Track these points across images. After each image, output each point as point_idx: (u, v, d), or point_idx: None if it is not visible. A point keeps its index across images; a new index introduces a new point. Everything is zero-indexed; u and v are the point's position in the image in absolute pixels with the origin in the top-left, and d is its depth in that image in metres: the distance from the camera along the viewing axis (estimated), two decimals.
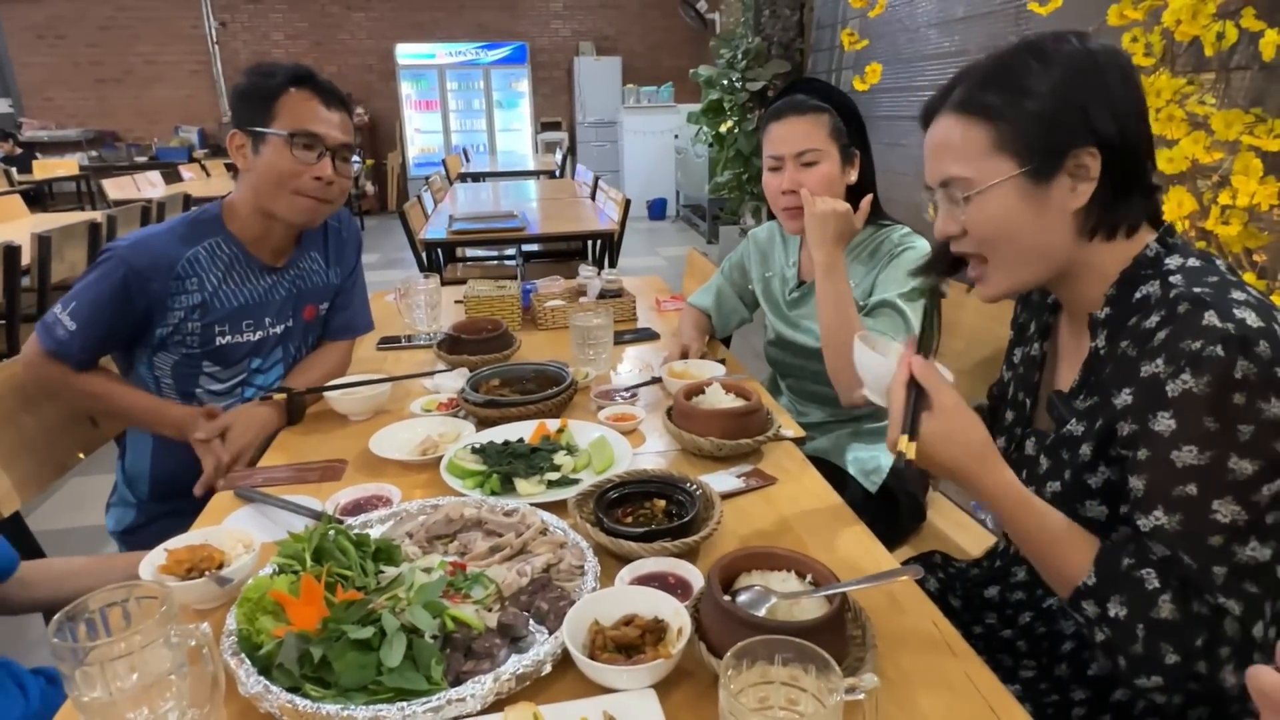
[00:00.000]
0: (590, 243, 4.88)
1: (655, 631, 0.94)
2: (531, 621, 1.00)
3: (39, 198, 9.12)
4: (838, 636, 0.90)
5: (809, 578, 0.97)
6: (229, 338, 1.69)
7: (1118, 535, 0.91)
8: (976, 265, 1.03)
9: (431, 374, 1.84)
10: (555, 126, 11.90)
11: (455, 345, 1.97)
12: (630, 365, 2.00)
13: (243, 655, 0.91)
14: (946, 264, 1.07)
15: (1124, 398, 0.91)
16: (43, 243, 3.57)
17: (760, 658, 0.76)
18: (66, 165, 9.65)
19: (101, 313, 1.57)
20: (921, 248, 1.75)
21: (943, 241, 1.05)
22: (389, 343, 2.23)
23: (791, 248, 1.99)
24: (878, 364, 1.08)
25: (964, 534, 2.00)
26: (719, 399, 1.53)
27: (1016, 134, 0.94)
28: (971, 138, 0.96)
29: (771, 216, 1.96)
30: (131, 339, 1.65)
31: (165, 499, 1.71)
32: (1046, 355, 1.13)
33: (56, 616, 0.80)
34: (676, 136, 10.34)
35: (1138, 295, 0.94)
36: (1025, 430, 1.12)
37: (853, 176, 1.79)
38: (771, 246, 2.07)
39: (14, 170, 8.72)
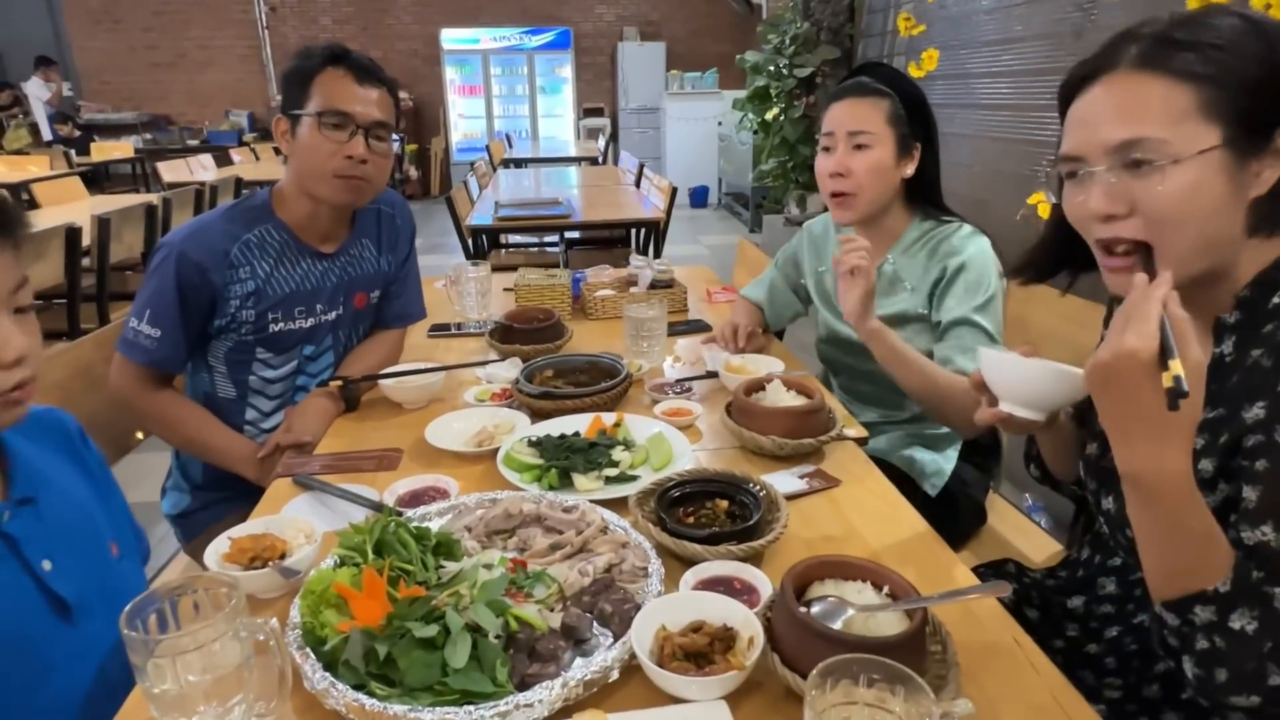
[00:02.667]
0: (634, 230, 4.85)
1: (724, 639, 0.91)
2: (595, 624, 0.98)
3: (96, 179, 9.38)
4: (918, 653, 0.86)
5: (885, 589, 0.93)
6: (281, 325, 1.70)
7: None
8: (1123, 255, 0.90)
9: (484, 363, 1.83)
10: (598, 113, 11.85)
11: (507, 334, 1.96)
12: (683, 358, 1.96)
13: (308, 650, 0.90)
14: (1050, 264, 1.00)
15: (1255, 411, 0.83)
16: (102, 225, 3.65)
17: (845, 676, 0.72)
18: (122, 148, 9.88)
19: (175, 311, 1.58)
20: (983, 249, 1.68)
21: (1053, 233, 0.96)
22: (439, 330, 2.23)
23: None
24: (1024, 366, 0.98)
25: (1025, 539, 1.93)
26: (780, 396, 1.49)
27: (1226, 99, 0.82)
28: (1172, 98, 0.84)
29: (824, 209, 1.90)
30: (200, 333, 1.66)
31: (218, 486, 1.73)
32: None
33: (127, 608, 0.80)
34: (720, 123, 10.22)
35: (1276, 300, 0.88)
36: None
37: (909, 169, 1.72)
38: (826, 240, 2.01)
39: (73, 152, 8.97)
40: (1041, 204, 3.21)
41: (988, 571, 1.31)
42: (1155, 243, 0.88)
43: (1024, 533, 1.95)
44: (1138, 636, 1.04)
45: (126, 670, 1.04)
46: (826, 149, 1.73)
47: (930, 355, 1.66)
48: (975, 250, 1.68)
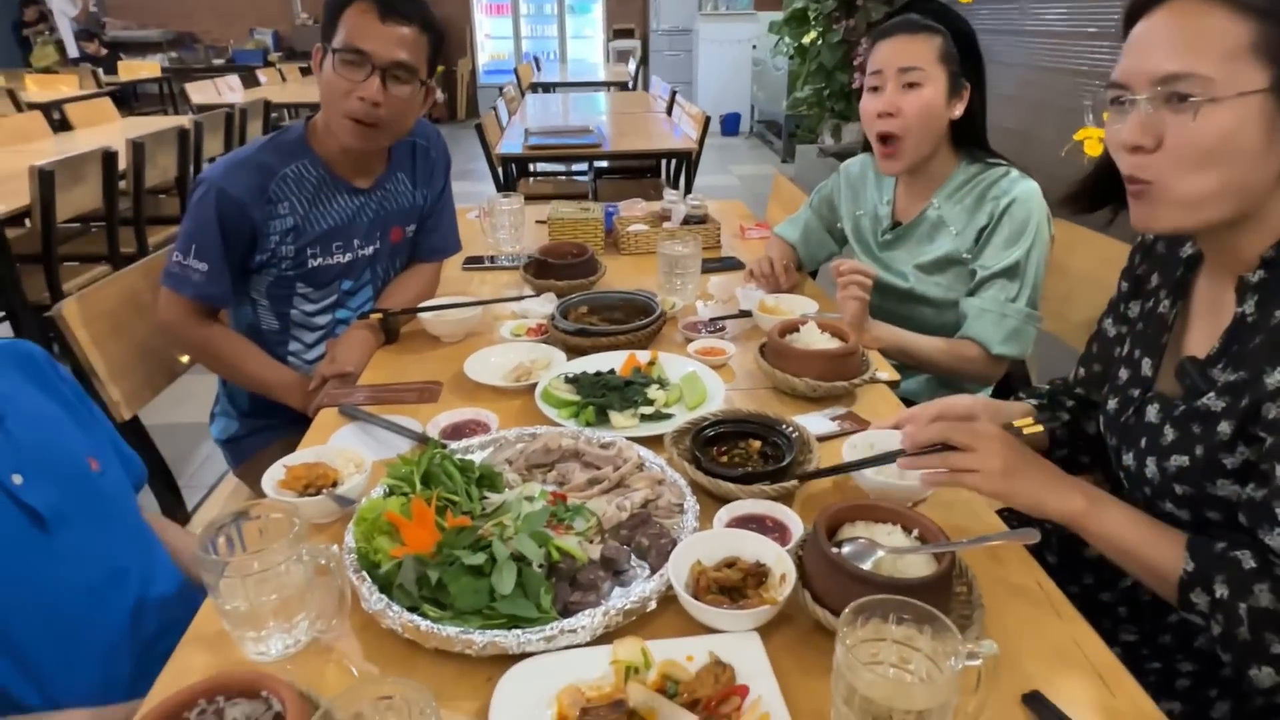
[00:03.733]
0: (665, 161, 4.77)
1: (757, 575, 0.96)
2: (632, 556, 1.03)
3: (124, 99, 9.33)
4: (944, 594, 0.90)
5: (915, 533, 0.96)
6: (320, 260, 1.72)
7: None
8: (1141, 187, 0.89)
9: (520, 299, 1.85)
10: (628, 34, 11.50)
11: (542, 269, 1.97)
12: (716, 296, 1.97)
13: (364, 573, 0.95)
14: (1099, 193, 0.98)
15: (1277, 376, 0.84)
16: (137, 149, 3.66)
17: (875, 615, 0.76)
18: (149, 67, 9.81)
19: (219, 246, 1.60)
20: (1031, 193, 1.65)
21: (1104, 162, 0.95)
22: (474, 263, 2.25)
23: (886, 185, 1.90)
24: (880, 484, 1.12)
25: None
26: (814, 338, 1.49)
27: None
28: (1230, 32, 0.81)
29: (866, 148, 1.86)
30: (242, 267, 1.68)
31: (265, 414, 1.79)
32: (1178, 315, 1.05)
33: (202, 530, 0.85)
34: (755, 47, 9.88)
35: None
36: (1146, 395, 1.06)
37: (958, 110, 1.68)
38: (864, 182, 1.98)
39: (100, 71, 8.92)
40: (1089, 140, 3.11)
41: (1012, 517, 1.34)
42: (1176, 182, 0.86)
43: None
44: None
45: (111, 577, 1.10)
46: (874, 89, 1.69)
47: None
48: (1023, 194, 1.65)
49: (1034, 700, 0.83)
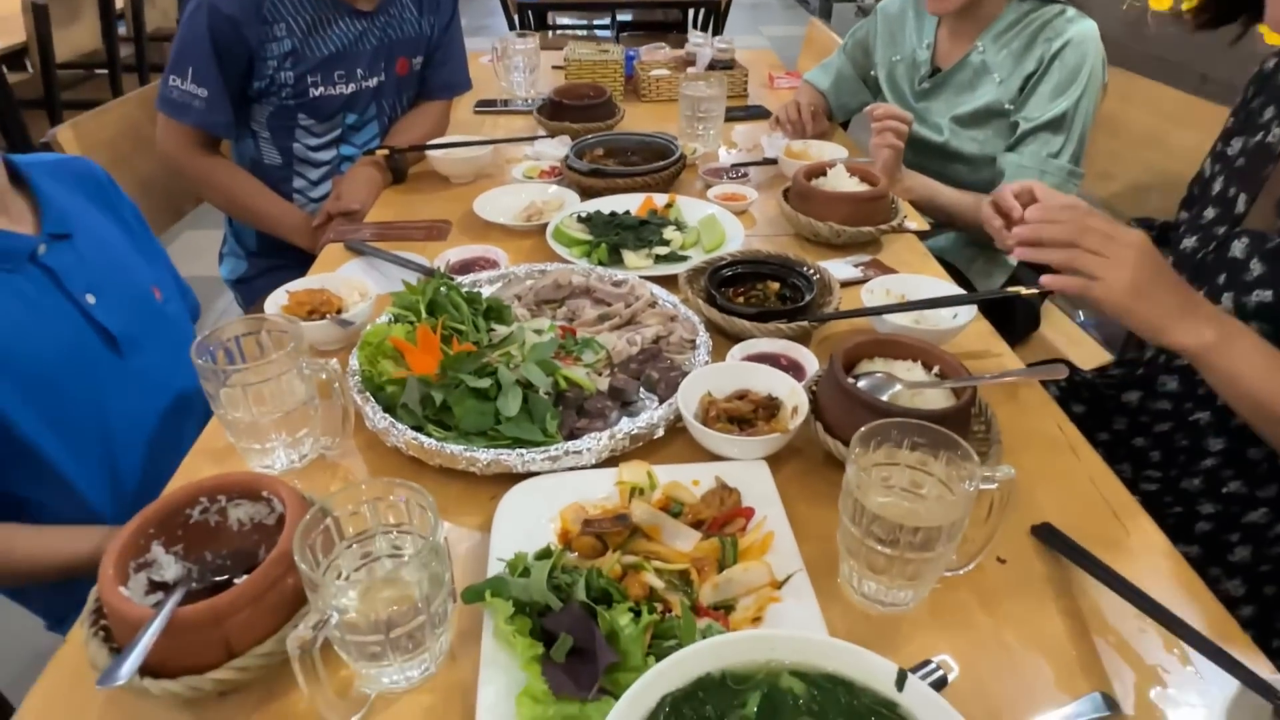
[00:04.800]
0: (692, 12, 4.47)
1: (768, 408, 0.93)
2: (641, 389, 1.00)
3: None
4: (962, 430, 0.87)
5: (936, 369, 0.92)
6: (321, 89, 1.63)
7: None
8: None
9: (533, 139, 1.76)
10: None
11: (556, 111, 1.86)
12: (740, 144, 1.86)
13: (368, 394, 0.94)
14: (1229, 5, 0.88)
15: None
16: None
17: (889, 440, 0.73)
18: None
19: (215, 69, 1.51)
20: (1087, 35, 1.50)
21: None
22: (486, 106, 2.14)
23: (927, 27, 1.74)
24: None
25: (1075, 348, 1.90)
26: (841, 182, 1.41)
27: None
28: None
29: None
30: (241, 94, 1.60)
31: (273, 254, 1.75)
32: None
33: (196, 341, 0.83)
34: None
35: None
36: (1234, 230, 0.99)
37: None
38: (902, 24, 1.81)
39: None
40: None
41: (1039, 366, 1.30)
42: None
43: (1075, 342, 1.92)
44: (1190, 433, 1.03)
45: (179, 404, 1.11)
46: None
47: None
48: (1079, 36, 1.50)
49: (1044, 531, 0.81)
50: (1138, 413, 1.11)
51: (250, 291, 1.83)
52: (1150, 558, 0.80)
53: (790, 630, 0.56)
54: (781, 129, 1.84)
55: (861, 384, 0.90)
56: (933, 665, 0.64)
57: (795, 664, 0.57)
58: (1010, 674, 0.68)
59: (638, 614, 0.65)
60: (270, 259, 1.78)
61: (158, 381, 1.12)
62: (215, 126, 1.57)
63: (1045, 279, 0.85)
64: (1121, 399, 1.13)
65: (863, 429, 0.71)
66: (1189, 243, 1.04)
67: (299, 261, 1.62)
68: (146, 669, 0.61)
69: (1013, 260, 1.75)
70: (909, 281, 1.17)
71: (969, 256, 1.72)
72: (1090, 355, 1.87)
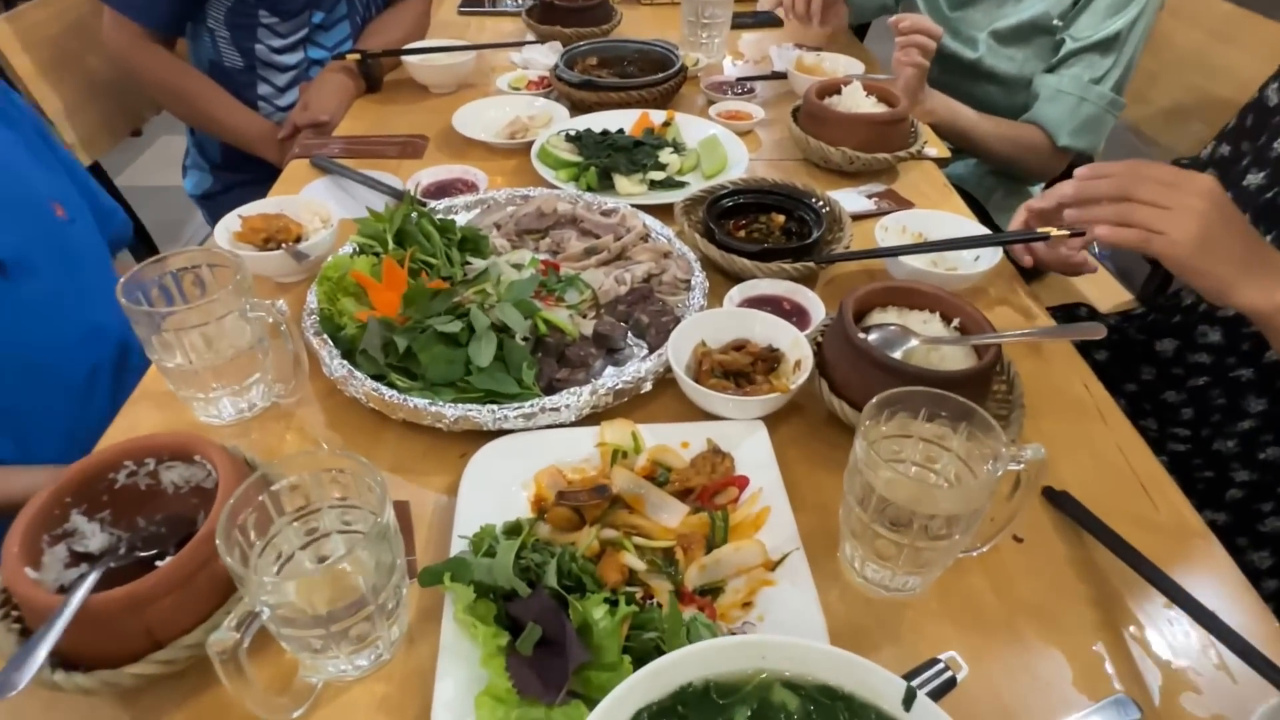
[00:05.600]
0: None
1: (768, 360, 0.84)
2: (629, 334, 0.91)
3: None
4: (983, 393, 0.79)
5: (956, 322, 0.83)
6: None
7: None
8: None
9: (520, 45, 1.61)
10: None
11: (547, 13, 1.70)
12: (747, 55, 1.71)
13: (325, 336, 0.85)
14: None
15: None
16: None
17: (903, 409, 0.65)
18: None
19: None
20: None
21: None
22: (471, 7, 1.96)
23: None
24: None
25: (1091, 283, 1.78)
26: (858, 101, 1.28)
27: None
28: None
29: None
30: None
31: (239, 167, 1.62)
32: None
33: (124, 279, 0.73)
34: None
35: None
36: None
37: None
38: None
39: None
40: None
41: (1060, 314, 1.21)
42: None
43: (1090, 277, 1.81)
44: (1228, 389, 0.95)
45: (87, 333, 1.00)
46: None
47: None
48: None
49: (1063, 500, 0.74)
50: (1170, 363, 1.02)
51: (217, 208, 1.70)
52: (1181, 538, 0.73)
53: (784, 637, 0.49)
54: (785, 13, 1.66)
55: (873, 337, 0.81)
56: (940, 665, 0.58)
57: (789, 675, 0.50)
58: (1024, 671, 0.62)
59: (614, 604, 0.58)
60: (237, 173, 1.65)
61: (59, 312, 1.00)
62: (158, 21, 1.42)
63: (1100, 229, 0.75)
64: (1155, 347, 1.04)
65: (875, 399, 0.63)
66: (1255, 179, 0.93)
67: (268, 175, 1.50)
68: (63, 657, 0.54)
69: (1034, 192, 1.64)
70: (928, 218, 1.06)
71: (988, 187, 1.60)
72: (1108, 292, 1.76)
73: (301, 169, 1.27)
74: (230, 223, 1.00)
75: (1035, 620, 0.66)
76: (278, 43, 1.52)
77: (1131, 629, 0.65)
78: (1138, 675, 0.62)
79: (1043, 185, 1.66)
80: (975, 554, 0.68)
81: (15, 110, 1.07)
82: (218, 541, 0.50)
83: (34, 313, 0.97)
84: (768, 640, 0.51)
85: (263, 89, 1.57)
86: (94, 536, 0.62)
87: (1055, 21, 1.42)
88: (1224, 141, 1.11)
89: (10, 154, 1.02)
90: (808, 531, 0.69)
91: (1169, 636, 0.65)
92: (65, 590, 0.59)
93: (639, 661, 0.57)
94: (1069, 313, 1.22)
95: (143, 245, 1.65)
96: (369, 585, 0.54)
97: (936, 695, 0.58)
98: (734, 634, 0.61)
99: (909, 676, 0.58)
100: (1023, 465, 0.61)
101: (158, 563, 0.55)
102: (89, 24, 1.55)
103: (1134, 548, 0.68)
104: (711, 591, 0.65)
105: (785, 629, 0.62)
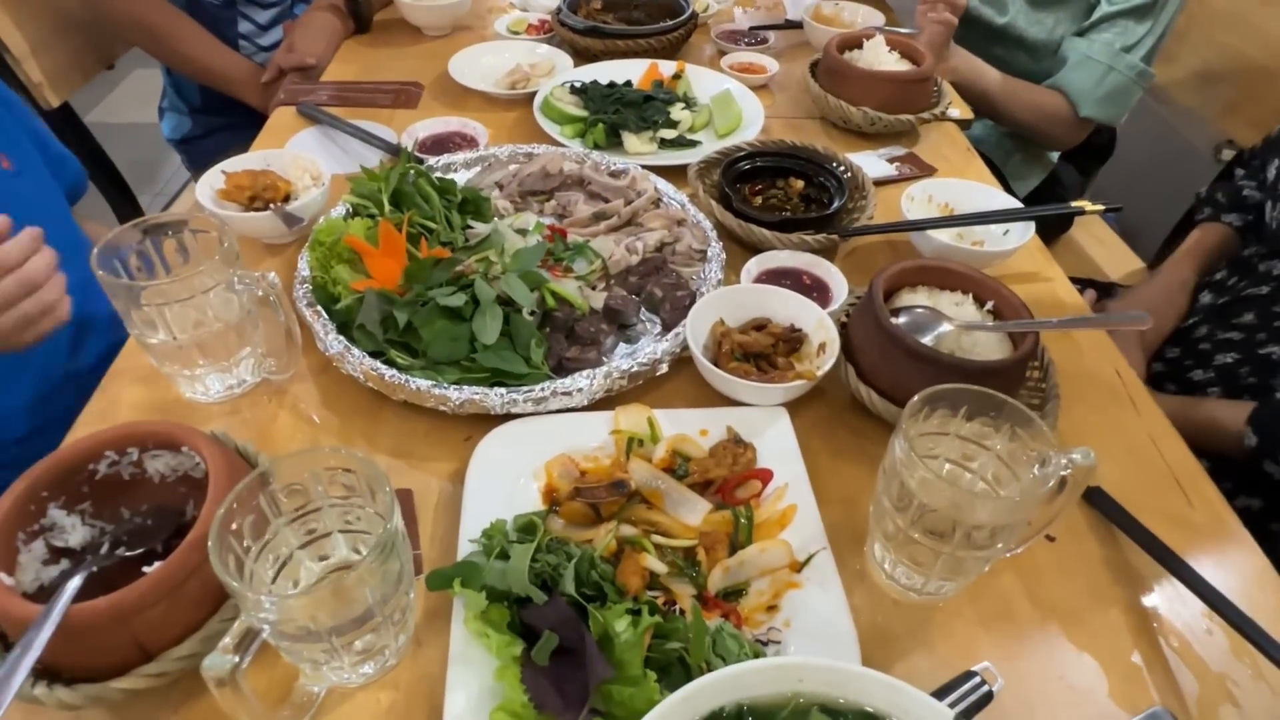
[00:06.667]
0: None
1: (790, 341, 0.80)
2: (642, 309, 0.86)
3: None
4: (1018, 383, 0.75)
5: (989, 305, 0.78)
6: None
7: None
8: None
9: None
10: None
11: None
12: (759, 1, 1.61)
13: (319, 309, 0.79)
14: None
15: None
16: None
17: (945, 405, 0.61)
18: None
19: None
20: None
21: None
22: None
23: None
24: None
25: (1104, 250, 1.76)
26: (880, 57, 1.21)
27: None
28: None
29: None
30: None
31: (220, 110, 1.53)
32: None
33: (98, 247, 0.67)
34: None
35: None
36: None
37: None
38: None
39: None
40: None
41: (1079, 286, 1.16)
42: None
43: (1104, 244, 1.77)
44: (1258, 368, 0.92)
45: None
46: None
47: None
48: None
49: (1096, 497, 0.71)
50: (1199, 341, 0.98)
51: (197, 153, 1.62)
52: (1217, 537, 0.70)
53: (821, 660, 0.46)
54: None
55: (902, 320, 0.76)
56: (976, 678, 0.55)
57: (826, 699, 0.47)
58: (1059, 682, 0.60)
59: (636, 613, 0.54)
60: (217, 116, 1.56)
61: None
62: None
63: None
64: (1186, 330, 1.00)
65: (918, 396, 0.58)
66: (1275, 168, 0.88)
67: (251, 119, 1.42)
68: (44, 667, 0.50)
69: (1053, 158, 1.58)
70: (955, 188, 1.01)
71: (1006, 150, 1.54)
72: (1121, 260, 1.73)
73: (287, 117, 1.19)
74: (213, 179, 0.93)
75: (1069, 625, 0.63)
76: None
77: (1168, 636, 0.63)
78: (1174, 685, 0.60)
79: (1057, 155, 1.61)
80: (1009, 555, 0.65)
81: None
82: (210, 556, 0.46)
83: None
84: (805, 663, 0.48)
85: (244, 26, 1.47)
86: (74, 530, 0.58)
87: None
88: None
89: None
90: (832, 526, 0.65)
91: (1207, 645, 0.62)
92: (45, 590, 0.55)
93: (661, 673, 0.54)
94: (1082, 288, 1.17)
95: (115, 189, 1.57)
96: (377, 597, 0.50)
97: (973, 710, 0.55)
98: (760, 641, 0.58)
99: (945, 690, 0.56)
100: (1069, 470, 0.58)
101: (145, 568, 0.51)
102: None
103: (1169, 549, 0.65)
104: (735, 593, 0.61)
105: (813, 636, 0.59)
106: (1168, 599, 0.65)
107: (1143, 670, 0.61)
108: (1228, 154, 1.58)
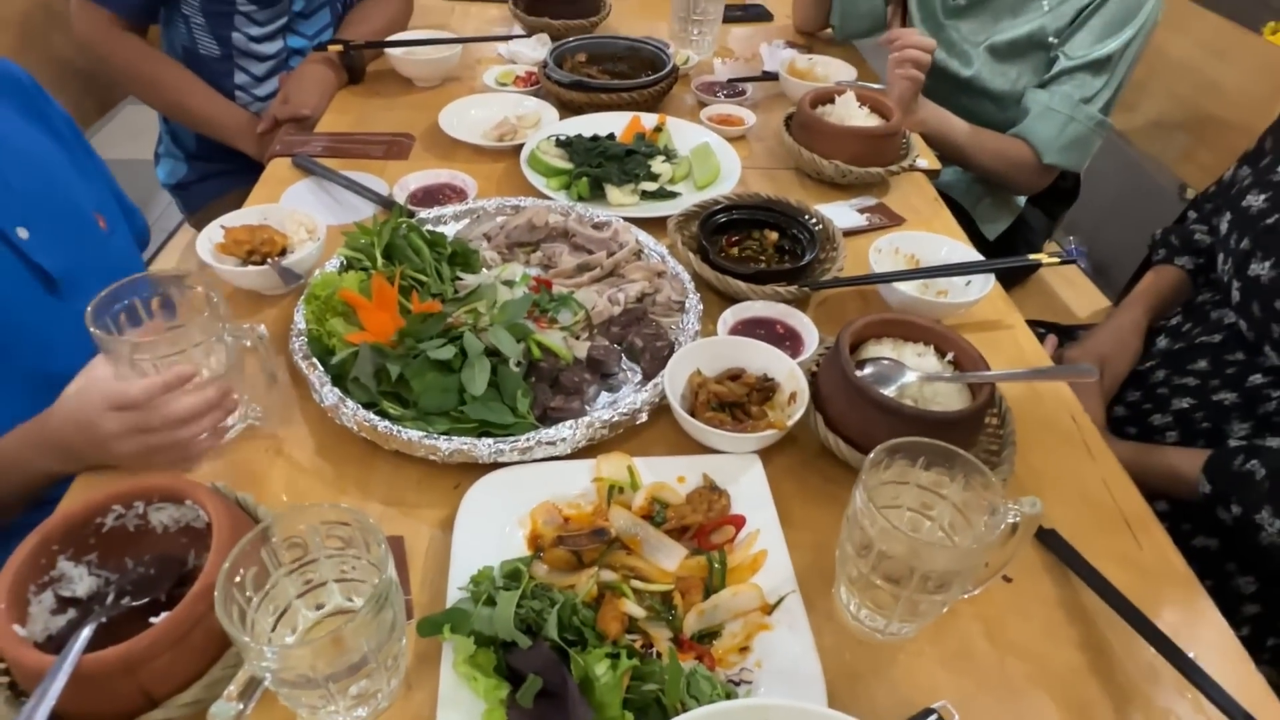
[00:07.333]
0: None
1: (763, 390, 0.84)
2: (623, 358, 0.91)
3: None
4: (976, 431, 0.80)
5: (950, 356, 0.83)
6: None
7: None
8: None
9: (508, 38, 1.57)
10: None
11: (534, 4, 1.65)
12: (737, 52, 1.68)
13: (314, 360, 0.83)
14: None
15: None
16: None
17: (904, 456, 0.65)
18: None
19: None
20: None
21: None
22: None
23: None
24: None
25: (1071, 289, 1.82)
26: (851, 112, 1.27)
27: None
28: None
29: None
30: None
31: (215, 157, 1.57)
32: None
33: (94, 303, 0.71)
34: None
35: None
36: None
37: None
38: None
39: None
40: None
41: (1042, 330, 1.22)
42: None
43: (1073, 285, 1.84)
44: (1212, 414, 0.97)
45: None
46: None
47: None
48: None
49: (1050, 539, 0.75)
50: (1155, 386, 1.04)
51: (191, 198, 1.66)
52: (1163, 579, 0.75)
53: (788, 701, 0.49)
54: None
55: (868, 371, 0.81)
56: (934, 716, 0.59)
57: None
58: (1015, 718, 0.63)
59: (615, 656, 0.58)
60: (213, 162, 1.60)
61: None
62: (128, 7, 1.37)
63: None
64: (1138, 370, 1.06)
65: (878, 449, 0.63)
66: (1255, 201, 0.93)
67: (245, 166, 1.47)
68: (54, 717, 0.53)
69: (1020, 202, 1.65)
70: (920, 240, 1.06)
71: (975, 195, 1.61)
72: (1089, 299, 1.80)
73: (283, 168, 1.24)
74: (213, 234, 0.97)
75: (1025, 662, 0.67)
76: (256, 31, 1.47)
77: (1116, 674, 0.67)
78: None
79: (1024, 201, 1.68)
80: (966, 596, 0.70)
81: (51, 112, 1.02)
82: (217, 609, 0.49)
83: (83, 332, 0.94)
84: (771, 705, 0.51)
85: (240, 78, 1.51)
86: (81, 580, 0.61)
87: (1051, 38, 1.41)
88: (1243, 164, 1.12)
89: (56, 166, 0.98)
90: (802, 568, 0.69)
91: (1153, 682, 0.66)
92: (53, 640, 0.58)
93: (640, 714, 0.58)
94: (1049, 329, 1.23)
95: None
96: (372, 645, 0.53)
97: None
98: (732, 682, 0.62)
99: None
100: (1018, 518, 0.62)
101: (151, 619, 0.54)
102: (55, 4, 1.48)
103: (1119, 592, 0.70)
104: (709, 635, 0.65)
105: (783, 676, 0.62)
106: (1118, 638, 0.69)
107: (1094, 707, 0.64)
108: (1191, 193, 1.65)
